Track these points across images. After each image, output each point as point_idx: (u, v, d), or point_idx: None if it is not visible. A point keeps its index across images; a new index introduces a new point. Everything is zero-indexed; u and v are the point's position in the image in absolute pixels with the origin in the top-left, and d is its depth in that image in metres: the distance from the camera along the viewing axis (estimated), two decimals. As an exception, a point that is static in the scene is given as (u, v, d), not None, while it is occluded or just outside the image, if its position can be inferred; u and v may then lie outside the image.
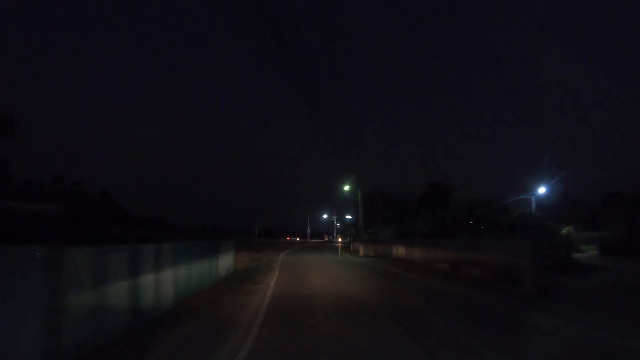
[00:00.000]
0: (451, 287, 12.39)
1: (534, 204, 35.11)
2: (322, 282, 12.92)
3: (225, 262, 13.80)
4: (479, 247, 15.24)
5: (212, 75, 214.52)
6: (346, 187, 31.84)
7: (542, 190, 35.38)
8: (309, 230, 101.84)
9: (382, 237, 30.25)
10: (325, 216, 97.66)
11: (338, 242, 73.37)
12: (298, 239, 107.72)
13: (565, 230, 33.56)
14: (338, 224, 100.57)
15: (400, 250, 24.59)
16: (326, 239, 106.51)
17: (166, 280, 8.19)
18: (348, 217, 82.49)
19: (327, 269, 18.02)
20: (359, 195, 30.06)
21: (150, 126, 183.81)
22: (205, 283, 10.97)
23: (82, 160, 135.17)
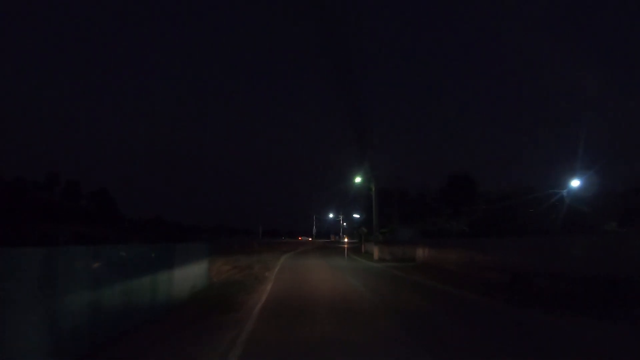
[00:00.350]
0: (542, 316, 7.83)
1: (566, 198, 30.70)
2: (333, 306, 8.43)
3: (191, 275, 9.40)
4: (559, 251, 10.69)
5: (215, 72, 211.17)
6: (357, 179, 27.24)
7: (575, 183, 30.86)
8: (314, 230, 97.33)
9: (400, 237, 25.66)
10: (331, 215, 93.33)
11: (344, 243, 69.12)
12: (310, 239, 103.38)
13: (609, 226, 28.92)
14: (345, 224, 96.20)
15: (426, 253, 20.01)
16: (332, 239, 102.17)
17: (24, 324, 3.84)
18: (356, 215, 77.84)
19: (337, 280, 13.53)
20: (373, 188, 25.51)
21: (154, 125, 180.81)
22: (143, 315, 6.57)
23: (86, 160, 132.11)
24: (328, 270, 17.08)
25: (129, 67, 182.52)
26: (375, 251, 24.87)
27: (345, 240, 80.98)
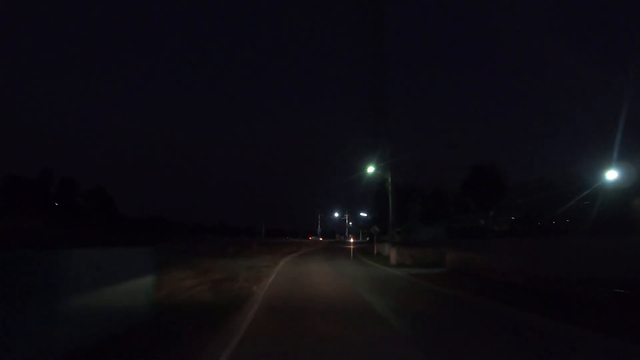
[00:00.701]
0: None
1: (603, 191, 26.67)
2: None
3: (108, 303, 5.47)
4: None
5: (217, 67, 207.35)
6: (370, 169, 23.09)
7: (612, 174, 26.61)
8: (319, 230, 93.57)
9: (420, 237, 21.59)
10: (336, 215, 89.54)
11: (351, 243, 65.26)
12: (320, 238, 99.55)
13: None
14: (350, 223, 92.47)
15: (459, 257, 15.95)
16: (337, 239, 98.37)
17: None
18: (363, 214, 73.68)
19: (353, 301, 9.53)
20: (389, 179, 21.45)
21: (156, 123, 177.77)
22: None
23: (88, 158, 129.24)
24: (338, 282, 13.07)
25: (130, 60, 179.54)
26: (393, 254, 20.83)
27: (351, 240, 76.96)
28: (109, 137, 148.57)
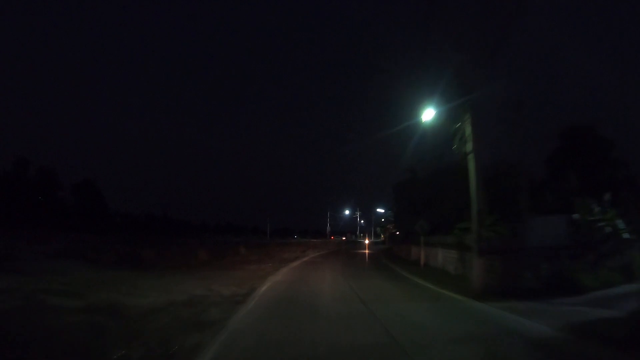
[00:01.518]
0: None
1: None
2: None
3: None
4: None
5: (219, 62, 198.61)
6: (428, 114, 12.69)
7: None
8: (328, 229, 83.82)
9: (530, 236, 11.58)
10: (347, 212, 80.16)
11: (365, 245, 55.97)
12: (344, 238, 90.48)
13: None
14: (362, 221, 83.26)
15: None
16: (351, 238, 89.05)
17: None
18: (380, 210, 63.93)
19: None
20: (468, 129, 11.39)
21: (157, 119, 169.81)
22: None
23: (90, 152, 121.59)
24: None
25: (131, 54, 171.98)
26: (478, 271, 10.84)
27: (367, 241, 67.66)
28: (110, 136, 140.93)
